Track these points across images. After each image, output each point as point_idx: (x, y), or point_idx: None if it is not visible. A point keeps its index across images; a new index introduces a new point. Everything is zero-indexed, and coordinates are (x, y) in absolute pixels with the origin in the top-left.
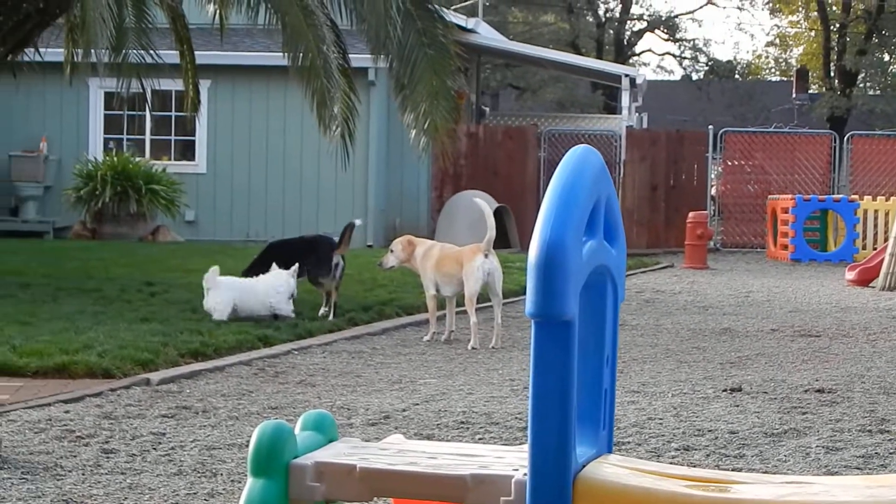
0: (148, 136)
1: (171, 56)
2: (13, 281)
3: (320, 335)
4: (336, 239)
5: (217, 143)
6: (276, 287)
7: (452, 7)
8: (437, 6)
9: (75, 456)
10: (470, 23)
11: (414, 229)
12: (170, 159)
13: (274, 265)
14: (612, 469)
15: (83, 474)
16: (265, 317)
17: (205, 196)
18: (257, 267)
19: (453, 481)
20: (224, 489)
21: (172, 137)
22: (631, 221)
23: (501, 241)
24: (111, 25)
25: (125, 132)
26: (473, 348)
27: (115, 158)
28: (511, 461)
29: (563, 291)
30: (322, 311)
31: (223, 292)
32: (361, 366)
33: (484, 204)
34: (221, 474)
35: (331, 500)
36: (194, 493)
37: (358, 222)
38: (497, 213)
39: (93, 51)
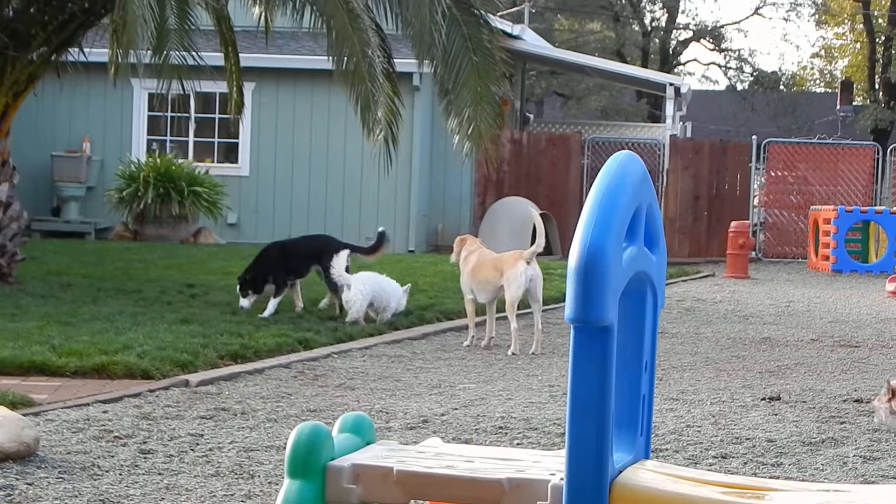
0: (191, 138)
1: (214, 58)
2: (54, 281)
3: (361, 339)
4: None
5: (260, 145)
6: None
7: (499, 14)
8: (482, 12)
9: (113, 456)
10: (516, 29)
11: (456, 234)
12: (213, 161)
13: (350, 274)
14: (649, 475)
15: (120, 474)
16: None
17: (247, 199)
18: (258, 270)
19: (490, 485)
20: (261, 491)
21: (216, 140)
22: (673, 230)
23: (544, 248)
24: (152, 26)
25: (168, 134)
26: (513, 354)
27: (158, 160)
28: (548, 465)
29: (603, 297)
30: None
31: (362, 286)
32: (401, 370)
33: (538, 217)
34: (259, 476)
35: (367, 502)
36: (231, 495)
37: (381, 229)
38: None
39: (133, 51)
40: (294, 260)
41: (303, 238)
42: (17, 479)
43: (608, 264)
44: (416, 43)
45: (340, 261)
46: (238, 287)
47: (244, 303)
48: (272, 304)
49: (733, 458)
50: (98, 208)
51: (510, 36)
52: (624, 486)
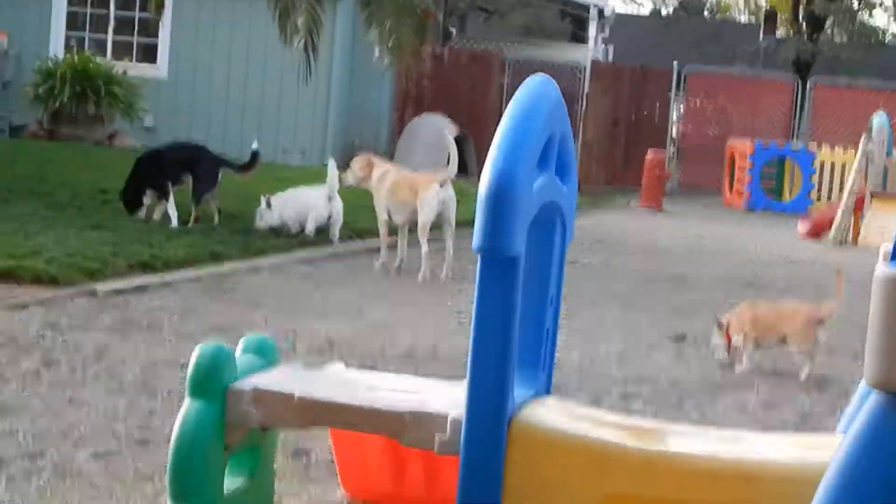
0: (110, 37)
1: None
2: None
3: (272, 254)
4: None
5: (181, 48)
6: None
7: None
8: None
9: (16, 365)
10: None
11: (373, 150)
12: (132, 61)
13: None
14: (549, 413)
15: (23, 384)
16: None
17: (165, 102)
18: (136, 184)
19: (391, 417)
20: (163, 408)
21: (135, 38)
22: (590, 156)
23: (460, 168)
24: None
25: (87, 30)
26: (423, 278)
27: (76, 57)
28: (450, 397)
29: (511, 227)
30: (192, 223)
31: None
32: (310, 289)
33: (452, 142)
34: (162, 393)
35: (267, 425)
36: (134, 411)
37: (255, 146)
38: (456, 139)
39: None
40: (168, 167)
41: (176, 145)
42: None
43: (518, 193)
44: None
45: (333, 171)
46: (123, 205)
47: (136, 216)
48: (171, 210)
49: (636, 398)
50: (13, 104)
51: None
52: (523, 423)
